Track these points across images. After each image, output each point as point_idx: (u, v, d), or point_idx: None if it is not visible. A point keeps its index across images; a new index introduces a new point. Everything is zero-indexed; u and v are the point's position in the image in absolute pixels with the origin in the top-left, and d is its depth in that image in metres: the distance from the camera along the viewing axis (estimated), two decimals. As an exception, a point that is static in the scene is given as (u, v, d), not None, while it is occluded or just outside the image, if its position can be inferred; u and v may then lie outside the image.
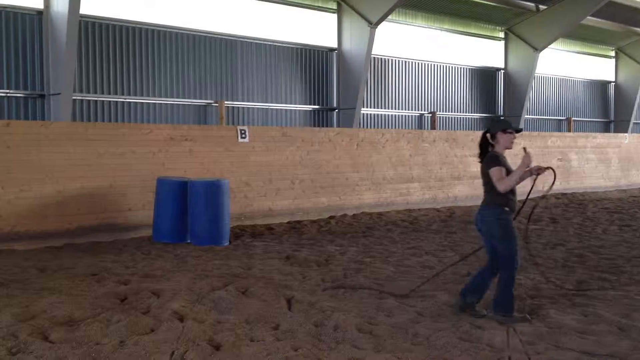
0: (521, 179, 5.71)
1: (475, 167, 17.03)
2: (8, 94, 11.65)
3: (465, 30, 20.10)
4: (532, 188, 6.09)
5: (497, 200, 5.70)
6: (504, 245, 5.71)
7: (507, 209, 5.72)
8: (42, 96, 12.03)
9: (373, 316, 5.75)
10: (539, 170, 5.86)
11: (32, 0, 11.81)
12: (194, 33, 14.07)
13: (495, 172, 5.64)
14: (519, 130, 5.93)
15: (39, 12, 11.90)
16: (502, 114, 21.12)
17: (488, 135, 5.88)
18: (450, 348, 4.89)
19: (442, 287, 7.02)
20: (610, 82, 25.77)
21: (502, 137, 5.77)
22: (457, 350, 4.84)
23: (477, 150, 6.01)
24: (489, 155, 5.80)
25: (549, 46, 20.72)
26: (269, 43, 15.34)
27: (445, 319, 5.76)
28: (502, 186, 5.61)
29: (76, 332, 5.08)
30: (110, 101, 12.85)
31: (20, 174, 10.12)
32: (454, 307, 5.98)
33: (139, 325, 5.26)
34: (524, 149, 5.75)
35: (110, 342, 4.83)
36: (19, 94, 11.80)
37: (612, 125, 25.80)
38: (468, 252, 7.36)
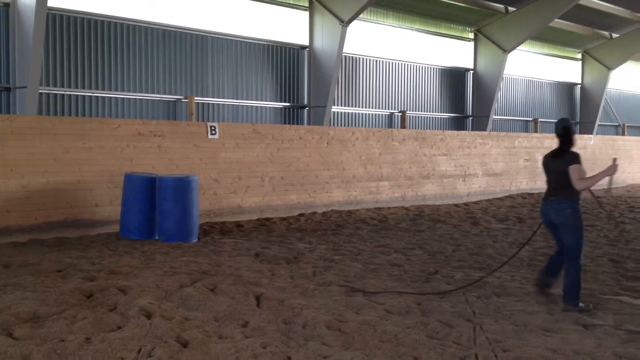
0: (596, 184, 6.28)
1: (444, 166, 17.39)
2: (-28, 86, 11.43)
3: (435, 31, 20.28)
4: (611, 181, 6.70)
5: (574, 195, 6.26)
6: (574, 236, 6.21)
7: (580, 202, 6.26)
8: (8, 89, 11.80)
9: (342, 313, 5.77)
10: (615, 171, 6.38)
11: (-2, -9, 11.60)
12: (164, 27, 13.94)
13: (576, 170, 6.16)
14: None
15: (6, 4, 11.66)
16: (470, 114, 21.35)
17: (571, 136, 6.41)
18: (418, 345, 4.93)
19: (410, 285, 7.09)
20: (576, 84, 26.22)
21: (574, 138, 6.44)
22: (424, 348, 4.87)
23: (555, 146, 6.48)
24: (572, 154, 6.29)
25: (518, 47, 21.02)
26: (240, 39, 15.28)
27: (413, 316, 5.81)
28: (580, 185, 6.16)
29: (41, 328, 5.00)
30: (77, 95, 12.66)
31: (-16, 168, 9.92)
32: (533, 281, 6.55)
33: (105, 322, 5.19)
34: (614, 159, 6.36)
35: (75, 339, 4.76)
36: (-16, 87, 11.58)
37: (578, 127, 26.26)
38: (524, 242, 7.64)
